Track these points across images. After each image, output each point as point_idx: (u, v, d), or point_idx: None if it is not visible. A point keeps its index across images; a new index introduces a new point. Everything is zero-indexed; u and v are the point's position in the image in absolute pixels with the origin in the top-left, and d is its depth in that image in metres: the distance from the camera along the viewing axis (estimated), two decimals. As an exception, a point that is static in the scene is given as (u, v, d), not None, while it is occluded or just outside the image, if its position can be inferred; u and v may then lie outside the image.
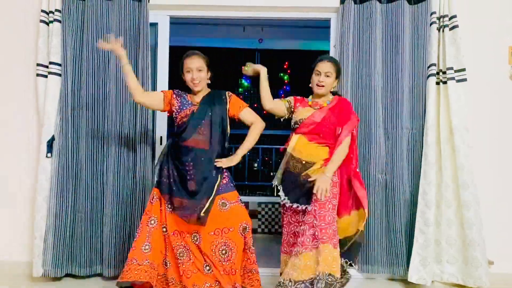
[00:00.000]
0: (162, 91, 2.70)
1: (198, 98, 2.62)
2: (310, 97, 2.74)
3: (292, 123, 2.72)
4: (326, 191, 2.44)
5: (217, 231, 2.47)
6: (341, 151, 2.56)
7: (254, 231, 4.80)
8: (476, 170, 2.95)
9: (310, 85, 2.70)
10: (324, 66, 2.60)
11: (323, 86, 2.61)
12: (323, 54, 2.75)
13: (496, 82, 3.15)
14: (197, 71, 2.54)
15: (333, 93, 2.74)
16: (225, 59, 6.91)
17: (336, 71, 2.64)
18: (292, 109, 2.73)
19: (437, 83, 3.03)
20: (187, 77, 2.55)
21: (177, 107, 2.59)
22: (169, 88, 3.21)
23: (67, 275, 3.02)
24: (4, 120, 3.16)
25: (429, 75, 3.00)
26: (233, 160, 2.58)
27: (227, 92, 2.71)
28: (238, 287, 2.46)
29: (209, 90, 2.68)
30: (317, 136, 2.60)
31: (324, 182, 2.45)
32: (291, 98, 2.76)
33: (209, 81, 2.65)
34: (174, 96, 2.63)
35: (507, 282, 3.02)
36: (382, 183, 3.04)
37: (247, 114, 2.68)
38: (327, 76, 2.60)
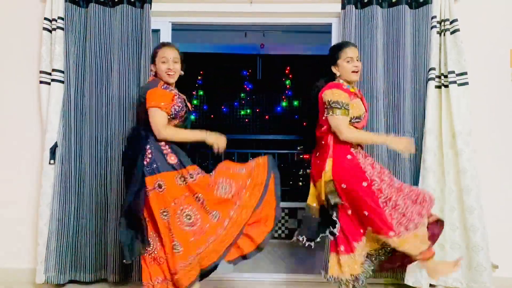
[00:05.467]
0: (161, 103, 2.30)
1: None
2: (347, 84, 2.48)
3: (350, 119, 2.42)
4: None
5: None
6: None
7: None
8: (479, 174, 2.94)
9: (338, 75, 2.47)
10: (353, 51, 2.46)
11: (358, 71, 2.46)
12: (346, 42, 2.61)
13: (498, 85, 3.14)
14: (173, 62, 2.39)
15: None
16: (227, 64, 6.92)
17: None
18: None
19: (439, 87, 3.03)
20: (162, 67, 2.37)
21: (177, 109, 2.37)
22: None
23: (71, 281, 3.02)
24: (7, 126, 3.18)
25: (429, 79, 3.01)
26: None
27: None
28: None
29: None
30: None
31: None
32: (346, 97, 2.39)
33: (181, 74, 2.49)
34: (176, 96, 2.37)
35: (512, 287, 3.00)
36: (385, 188, 3.04)
37: None
38: (358, 60, 2.47)
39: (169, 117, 2.33)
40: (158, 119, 2.28)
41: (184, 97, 2.47)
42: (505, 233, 3.05)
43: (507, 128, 3.14)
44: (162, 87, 2.36)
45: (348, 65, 2.44)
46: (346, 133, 2.37)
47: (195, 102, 7.20)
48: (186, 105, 2.44)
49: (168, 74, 2.39)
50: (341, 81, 2.48)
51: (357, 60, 2.45)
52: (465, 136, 2.93)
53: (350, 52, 2.44)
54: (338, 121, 2.37)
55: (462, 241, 2.95)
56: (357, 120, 2.44)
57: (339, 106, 2.36)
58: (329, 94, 2.40)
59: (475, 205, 2.88)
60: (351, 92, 2.44)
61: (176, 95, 2.37)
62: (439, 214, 2.97)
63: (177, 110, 2.35)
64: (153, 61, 2.44)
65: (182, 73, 2.49)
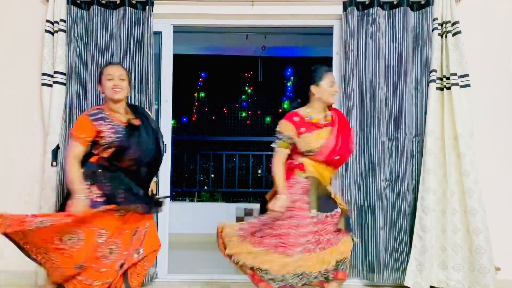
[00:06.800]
0: (76, 136, 2.32)
1: (123, 117, 2.42)
2: (307, 111, 2.45)
3: (302, 151, 2.40)
4: None
5: None
6: None
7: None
8: (481, 176, 2.94)
9: (316, 95, 2.42)
10: (334, 77, 2.49)
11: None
12: (319, 64, 2.52)
13: (500, 87, 3.14)
14: (118, 79, 2.40)
15: None
16: (228, 67, 6.93)
17: None
18: (295, 138, 2.40)
19: (441, 89, 3.04)
20: (108, 84, 2.38)
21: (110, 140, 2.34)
22: (174, 97, 3.25)
23: (72, 283, 3.01)
24: (9, 128, 3.18)
25: (430, 81, 3.01)
26: None
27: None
28: None
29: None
30: (336, 161, 2.42)
31: None
32: (289, 130, 2.39)
33: (128, 94, 2.49)
34: (96, 123, 2.33)
35: (515, 289, 2.99)
36: (386, 190, 3.04)
37: None
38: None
39: (102, 146, 2.34)
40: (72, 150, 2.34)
41: (124, 120, 2.40)
42: (506, 235, 3.05)
43: (509, 130, 3.14)
44: (91, 117, 2.34)
45: (328, 88, 2.41)
46: (274, 164, 2.43)
47: (196, 104, 7.21)
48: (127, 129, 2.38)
49: (114, 90, 2.39)
50: (308, 110, 2.46)
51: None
52: (467, 138, 2.93)
53: (332, 77, 2.45)
54: (274, 152, 2.44)
55: (464, 243, 2.95)
56: (309, 153, 2.39)
57: (280, 137, 2.41)
58: (279, 124, 2.44)
59: (478, 208, 2.88)
60: (310, 124, 2.40)
61: (104, 126, 2.33)
62: (441, 216, 2.97)
63: (109, 141, 2.33)
64: (100, 80, 2.44)
65: (128, 94, 2.49)
